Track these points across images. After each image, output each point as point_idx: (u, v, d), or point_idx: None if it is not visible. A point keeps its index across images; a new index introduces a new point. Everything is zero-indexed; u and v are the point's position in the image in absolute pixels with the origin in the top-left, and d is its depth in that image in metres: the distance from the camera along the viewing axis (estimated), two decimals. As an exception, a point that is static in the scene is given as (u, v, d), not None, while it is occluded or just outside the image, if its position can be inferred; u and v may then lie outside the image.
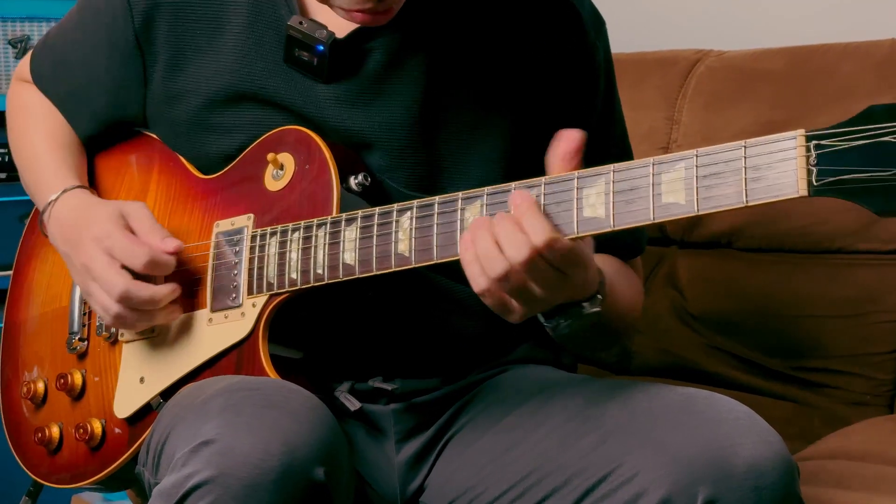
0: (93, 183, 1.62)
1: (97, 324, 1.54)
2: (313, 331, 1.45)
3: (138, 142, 1.59)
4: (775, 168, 1.12)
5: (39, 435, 1.55)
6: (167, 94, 1.52)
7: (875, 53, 1.95)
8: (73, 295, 1.58)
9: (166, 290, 1.43)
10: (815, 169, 1.09)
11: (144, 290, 1.42)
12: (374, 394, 1.48)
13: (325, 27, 1.43)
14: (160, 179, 1.55)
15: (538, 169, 1.46)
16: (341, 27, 1.43)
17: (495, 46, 1.46)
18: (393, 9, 1.35)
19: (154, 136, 1.57)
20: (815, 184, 1.09)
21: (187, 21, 1.50)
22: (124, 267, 1.42)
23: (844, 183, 1.08)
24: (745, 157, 1.13)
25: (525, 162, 1.45)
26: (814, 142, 1.10)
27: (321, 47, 1.42)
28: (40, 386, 1.58)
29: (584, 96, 1.49)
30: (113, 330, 1.51)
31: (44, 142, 1.62)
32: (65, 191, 1.55)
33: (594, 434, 1.32)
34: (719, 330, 2.01)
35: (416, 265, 1.31)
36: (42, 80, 1.65)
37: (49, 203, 1.55)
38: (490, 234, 1.22)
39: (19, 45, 2.59)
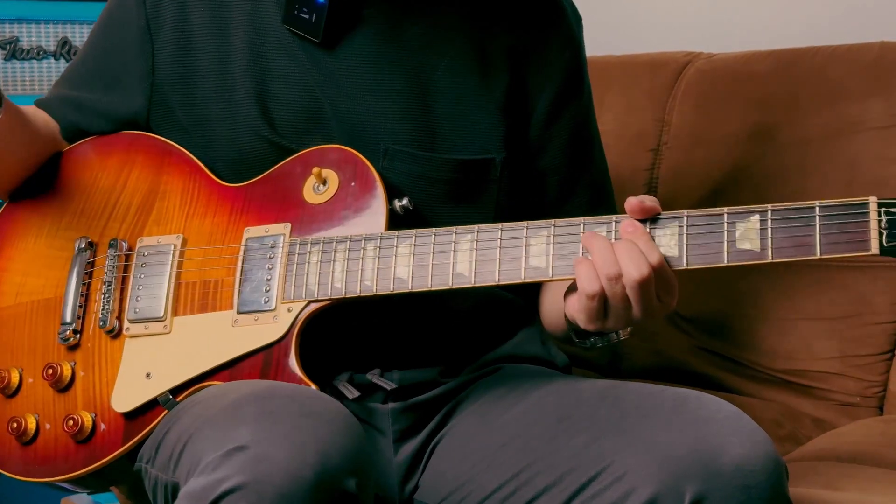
0: (87, 182, 1.62)
1: (100, 316, 1.53)
2: (318, 329, 1.46)
3: (141, 141, 1.60)
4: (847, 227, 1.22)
5: (14, 425, 1.53)
6: (177, 83, 1.54)
7: (863, 56, 1.96)
8: (68, 286, 1.55)
9: None
10: (885, 232, 1.20)
11: None
12: (372, 389, 1.49)
13: None
14: (169, 181, 1.56)
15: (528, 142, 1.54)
16: None
17: (486, 21, 1.53)
18: None
19: (158, 137, 1.58)
20: (884, 245, 1.20)
21: (192, 5, 1.54)
22: None
23: None
24: (818, 216, 1.23)
25: (518, 137, 1.52)
26: (884, 208, 1.20)
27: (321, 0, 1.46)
28: (14, 375, 1.56)
29: (567, 84, 1.56)
30: (116, 323, 1.51)
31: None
32: None
33: (585, 433, 1.33)
34: (709, 332, 2.01)
35: (477, 285, 1.37)
36: (48, 105, 1.65)
37: None
38: (608, 245, 1.27)
39: (8, 47, 2.59)
